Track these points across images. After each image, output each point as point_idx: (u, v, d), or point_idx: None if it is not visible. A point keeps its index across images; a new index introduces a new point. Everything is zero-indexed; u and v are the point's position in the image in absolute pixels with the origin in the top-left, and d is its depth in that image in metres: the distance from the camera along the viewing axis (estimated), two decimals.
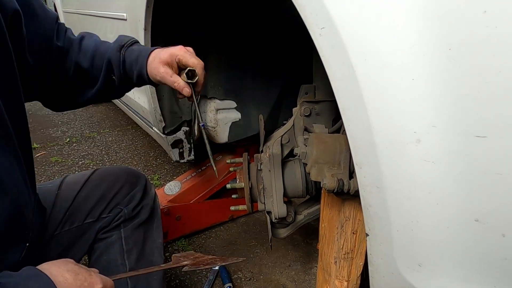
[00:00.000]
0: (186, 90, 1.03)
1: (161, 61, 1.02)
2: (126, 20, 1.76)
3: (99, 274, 0.87)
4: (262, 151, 1.28)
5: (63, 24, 1.08)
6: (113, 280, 0.91)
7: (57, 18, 1.04)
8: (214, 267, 1.12)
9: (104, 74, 1.06)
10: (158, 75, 1.03)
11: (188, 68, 1.02)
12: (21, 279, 0.73)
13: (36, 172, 1.04)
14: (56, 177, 2.78)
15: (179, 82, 1.03)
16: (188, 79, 1.03)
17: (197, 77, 1.03)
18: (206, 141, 1.19)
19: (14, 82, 0.86)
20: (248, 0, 1.52)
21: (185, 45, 1.09)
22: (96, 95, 1.11)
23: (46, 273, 0.75)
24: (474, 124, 0.54)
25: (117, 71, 1.06)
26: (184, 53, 1.03)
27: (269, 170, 1.23)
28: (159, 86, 1.45)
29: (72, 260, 0.85)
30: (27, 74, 0.95)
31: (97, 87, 1.09)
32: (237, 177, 1.30)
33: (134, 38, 1.11)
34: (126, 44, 1.07)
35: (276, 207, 1.22)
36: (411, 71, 0.58)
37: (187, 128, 1.92)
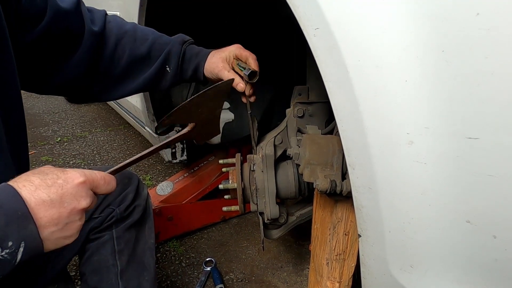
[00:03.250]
0: (241, 86, 1.09)
1: (220, 57, 1.10)
2: None
3: (81, 169, 0.72)
4: (255, 152, 1.28)
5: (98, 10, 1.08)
6: (109, 172, 0.78)
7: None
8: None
9: (159, 64, 1.10)
10: (216, 69, 1.10)
11: (251, 70, 1.04)
12: None
13: None
14: None
15: (235, 78, 1.08)
16: (249, 79, 1.06)
17: (257, 77, 1.06)
18: (252, 130, 1.25)
19: (10, 73, 0.83)
20: (242, 2, 1.52)
21: None
22: (142, 85, 1.12)
23: (9, 183, 0.63)
24: (467, 126, 0.55)
25: (174, 62, 1.11)
26: (240, 52, 1.10)
27: (262, 171, 1.23)
28: None
29: (49, 166, 0.71)
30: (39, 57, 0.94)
31: (146, 76, 1.11)
32: (230, 177, 1.29)
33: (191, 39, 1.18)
34: (188, 40, 1.15)
35: (268, 208, 1.21)
36: (404, 73, 0.58)
37: (180, 128, 1.91)
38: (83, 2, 1.03)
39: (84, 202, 0.68)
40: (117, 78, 1.11)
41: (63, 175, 0.67)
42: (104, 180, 0.73)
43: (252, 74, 1.05)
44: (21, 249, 0.59)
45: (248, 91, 1.11)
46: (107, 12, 1.10)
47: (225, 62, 1.11)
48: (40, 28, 0.92)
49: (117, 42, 1.07)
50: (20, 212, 0.60)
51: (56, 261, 1.16)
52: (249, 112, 1.22)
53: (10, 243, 0.58)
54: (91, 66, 1.05)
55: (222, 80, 1.08)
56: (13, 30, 0.85)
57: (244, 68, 1.07)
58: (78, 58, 1.02)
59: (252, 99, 1.16)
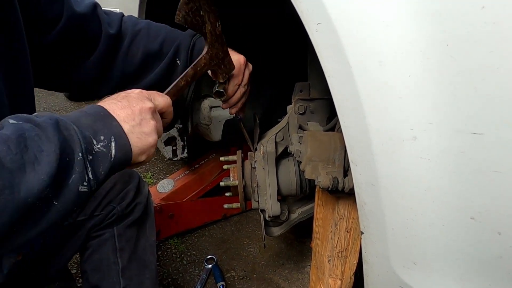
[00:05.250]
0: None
1: None
2: None
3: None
4: (256, 149, 1.28)
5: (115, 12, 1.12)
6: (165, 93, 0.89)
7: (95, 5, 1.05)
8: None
9: (170, 57, 1.11)
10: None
11: (216, 89, 1.09)
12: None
13: None
14: None
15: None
16: (217, 95, 1.11)
17: (224, 97, 1.12)
18: (244, 132, 1.30)
19: (25, 72, 0.85)
20: (242, 5, 1.51)
21: None
22: (155, 79, 1.14)
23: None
24: (471, 121, 0.54)
25: (184, 54, 1.12)
26: (237, 64, 1.09)
27: (263, 168, 1.22)
28: None
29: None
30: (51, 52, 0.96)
31: (158, 70, 1.12)
32: (231, 175, 1.29)
33: None
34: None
35: (270, 205, 1.21)
36: (408, 68, 0.58)
37: (181, 126, 1.91)
38: (99, 6, 1.06)
39: (149, 103, 0.77)
40: (132, 75, 1.12)
41: (123, 92, 0.78)
42: (157, 93, 0.84)
43: (216, 93, 1.10)
44: (113, 144, 0.68)
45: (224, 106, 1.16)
46: (108, 9, 1.11)
47: None
48: (57, 31, 0.94)
49: (131, 41, 1.08)
50: (103, 113, 0.70)
51: (57, 259, 1.16)
52: (238, 118, 1.25)
53: (102, 137, 0.67)
54: (107, 66, 1.07)
55: (216, 83, 1.11)
56: (30, 32, 0.87)
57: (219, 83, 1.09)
58: (94, 59, 1.04)
59: (231, 110, 1.18)
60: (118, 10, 1.72)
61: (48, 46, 0.95)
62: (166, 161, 2.93)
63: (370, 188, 0.69)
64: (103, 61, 1.06)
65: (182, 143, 1.95)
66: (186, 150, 1.98)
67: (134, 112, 0.73)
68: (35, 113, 0.64)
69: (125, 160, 0.71)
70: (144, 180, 2.48)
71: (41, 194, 0.56)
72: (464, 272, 0.64)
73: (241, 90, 1.13)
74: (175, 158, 1.99)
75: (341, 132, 0.72)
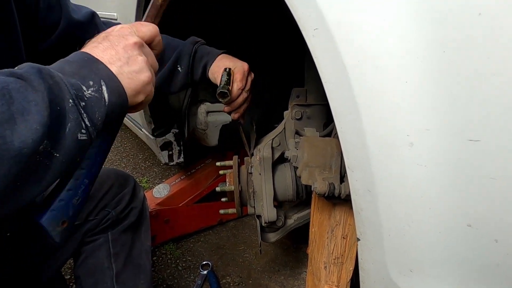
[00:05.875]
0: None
1: (224, 65, 1.14)
2: (116, 20, 1.75)
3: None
4: (252, 155, 1.27)
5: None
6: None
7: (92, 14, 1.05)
8: None
9: (171, 64, 1.12)
10: (217, 73, 1.14)
11: (221, 90, 1.08)
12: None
13: None
14: None
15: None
16: (221, 96, 1.11)
17: (228, 98, 1.11)
18: (242, 135, 1.31)
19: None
20: (240, 5, 1.51)
21: None
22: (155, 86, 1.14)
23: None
24: (468, 128, 0.54)
25: (185, 61, 1.13)
26: (238, 72, 1.11)
27: (260, 174, 1.22)
28: None
29: None
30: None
31: (158, 77, 1.10)
32: (227, 180, 1.28)
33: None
34: (200, 41, 1.18)
35: (266, 211, 1.21)
36: (405, 74, 0.58)
37: (177, 130, 1.90)
38: (97, 15, 1.06)
39: (132, 38, 0.72)
40: None
41: (103, 33, 0.73)
42: (140, 23, 0.79)
43: (220, 93, 1.09)
44: (104, 87, 0.64)
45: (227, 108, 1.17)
46: (106, 13, 1.11)
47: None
48: (54, 38, 0.94)
49: None
50: (86, 58, 0.66)
51: (51, 264, 1.15)
52: (238, 122, 1.25)
53: (91, 82, 0.63)
54: None
55: (219, 84, 1.11)
56: (27, 37, 0.87)
57: (224, 84, 1.09)
58: None
59: (233, 115, 1.18)
60: (115, 15, 1.72)
61: (44, 53, 0.95)
62: (162, 166, 2.92)
63: (367, 194, 0.68)
64: None
65: (178, 148, 1.94)
66: (182, 155, 1.97)
67: (118, 52, 0.69)
68: (16, 67, 0.60)
69: (121, 103, 0.67)
70: (140, 184, 2.47)
71: (38, 145, 0.54)
72: (461, 280, 0.64)
73: (244, 95, 1.14)
74: (171, 163, 1.98)
75: (337, 137, 0.72)
